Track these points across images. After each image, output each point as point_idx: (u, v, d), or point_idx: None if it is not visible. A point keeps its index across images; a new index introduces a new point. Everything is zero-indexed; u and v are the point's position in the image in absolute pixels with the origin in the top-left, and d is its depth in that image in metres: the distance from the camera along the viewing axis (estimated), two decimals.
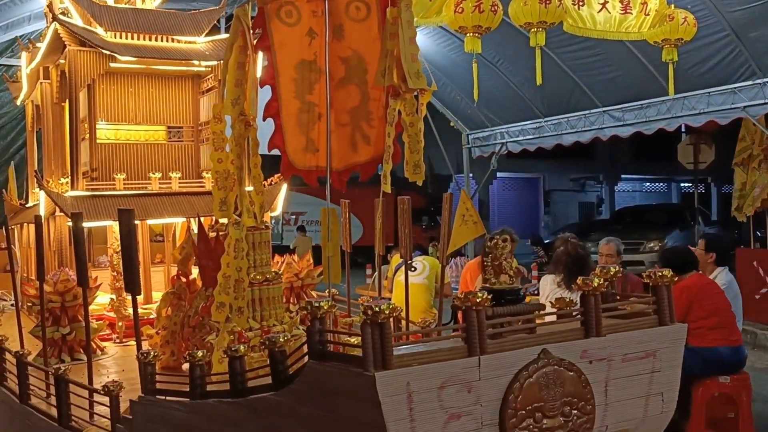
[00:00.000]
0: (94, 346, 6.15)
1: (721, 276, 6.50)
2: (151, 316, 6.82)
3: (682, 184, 28.86)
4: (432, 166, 22.66)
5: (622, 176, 27.14)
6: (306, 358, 2.66)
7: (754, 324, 10.39)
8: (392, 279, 9.18)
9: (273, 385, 2.84)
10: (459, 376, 2.43)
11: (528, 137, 14.96)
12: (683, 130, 20.43)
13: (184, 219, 7.38)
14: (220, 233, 5.44)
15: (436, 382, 2.39)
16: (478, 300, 2.46)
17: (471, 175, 17.22)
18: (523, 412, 2.50)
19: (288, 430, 2.75)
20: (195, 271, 5.78)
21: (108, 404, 3.89)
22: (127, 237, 3.87)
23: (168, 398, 3.41)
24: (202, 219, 5.45)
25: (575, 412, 2.58)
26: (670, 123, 11.96)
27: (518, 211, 25.48)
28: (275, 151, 3.99)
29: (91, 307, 6.27)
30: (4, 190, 10.17)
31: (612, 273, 2.85)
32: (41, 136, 8.84)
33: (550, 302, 4.57)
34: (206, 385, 3.30)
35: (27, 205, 8.97)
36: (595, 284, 2.70)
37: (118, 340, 6.65)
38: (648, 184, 29.27)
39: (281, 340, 2.83)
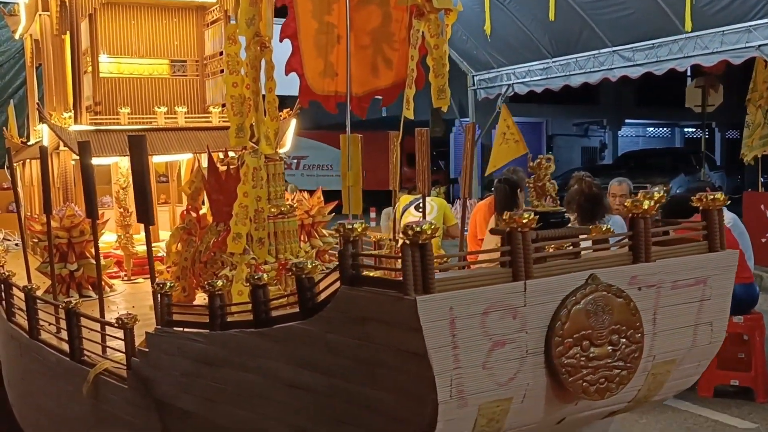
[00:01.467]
0: (103, 283, 6.00)
1: (724, 216, 6.39)
2: (160, 254, 6.67)
3: (686, 129, 28.55)
4: (439, 111, 22.34)
5: (626, 121, 26.79)
6: (337, 285, 2.49)
7: (760, 267, 10.30)
8: (399, 221, 8.99)
9: (300, 314, 2.67)
10: (504, 302, 2.25)
11: (535, 78, 14.64)
12: (689, 74, 20.10)
13: (191, 155, 7.16)
14: (231, 167, 5.23)
15: (480, 307, 2.22)
16: (524, 221, 2.27)
17: (472, 119, 16.94)
18: (570, 340, 2.34)
19: (317, 359, 2.59)
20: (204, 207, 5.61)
21: (122, 338, 3.74)
22: (139, 164, 3.66)
23: (186, 330, 3.25)
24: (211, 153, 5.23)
25: (623, 340, 2.42)
26: (682, 63, 11.64)
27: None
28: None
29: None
30: (4, 129, 9.92)
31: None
32: (41, 72, 8.56)
33: None
34: (226, 315, 3.14)
35: (29, 144, 8.74)
36: (645, 207, 2.51)
37: (126, 278, 6.50)
38: (651, 129, 28.93)
39: (309, 266, 2.65)
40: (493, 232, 2.47)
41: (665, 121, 27.76)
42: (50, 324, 4.68)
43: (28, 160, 8.40)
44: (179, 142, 6.62)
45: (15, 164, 9.69)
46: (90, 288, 5.88)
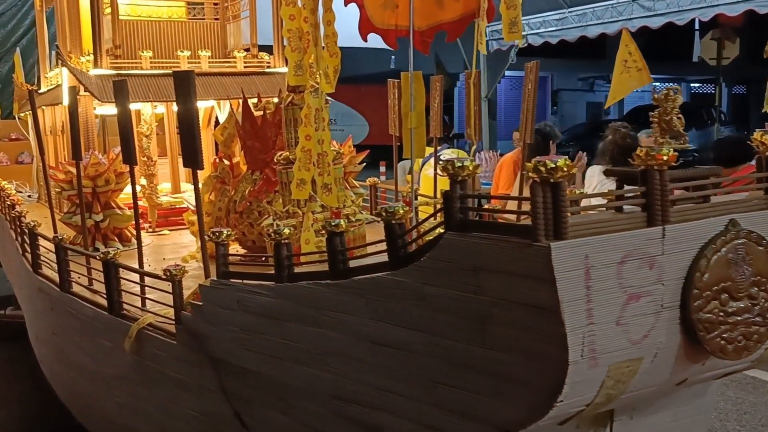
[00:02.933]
0: (129, 235, 5.71)
1: None
2: (182, 206, 6.36)
3: (692, 84, 28.08)
4: (443, 65, 21.73)
5: None
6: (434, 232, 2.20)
7: None
8: (418, 173, 8.70)
9: (389, 264, 2.38)
10: (641, 249, 1.96)
11: (550, 29, 14.18)
12: (696, 27, 19.59)
13: (213, 102, 6.81)
14: (268, 111, 4.90)
15: (617, 255, 1.92)
16: (663, 157, 1.97)
17: (483, 72, 16.44)
18: (709, 293, 2.05)
19: (410, 314, 2.31)
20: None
21: (167, 290, 3.45)
22: (186, 101, 3.33)
23: (247, 282, 2.96)
24: (230, 103, 4.90)
25: (763, 294, 2.14)
26: (705, 12, 11.22)
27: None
28: None
29: (120, 196, 5.79)
30: (14, 76, 9.50)
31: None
32: (53, 15, 8.13)
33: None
34: (294, 266, 2.84)
35: (40, 91, 8.34)
36: None
37: (150, 230, 6.19)
38: (657, 83, 28.41)
39: (400, 211, 2.34)
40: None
41: (671, 75, 27.25)
42: (81, 276, 4.39)
43: (40, 109, 8.01)
44: (203, 87, 6.25)
45: (23, 114, 9.32)
46: (116, 239, 5.58)
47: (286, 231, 2.82)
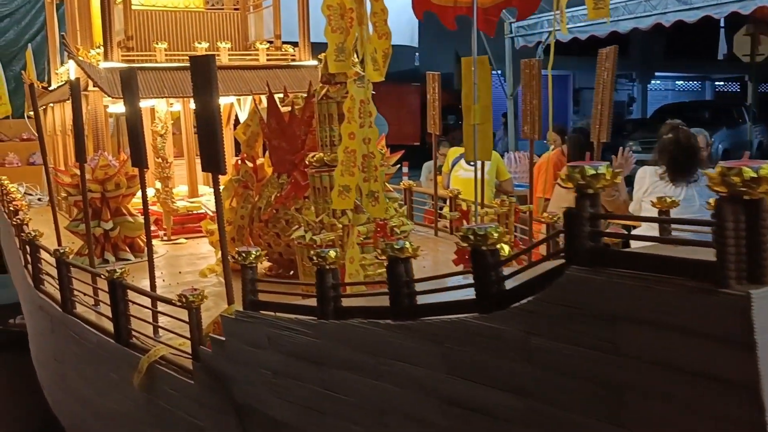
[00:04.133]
0: (142, 245, 5.12)
1: None
2: (200, 211, 5.78)
3: (716, 83, 27.22)
4: (461, 61, 21.02)
5: (656, 74, 25.45)
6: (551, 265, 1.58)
7: None
8: (448, 174, 8.05)
9: (476, 303, 1.76)
10: None
11: (579, 24, 13.50)
12: (722, 24, 18.82)
13: (234, 99, 6.21)
14: (296, 107, 4.29)
15: None
16: None
17: (499, 71, 15.78)
18: None
19: (505, 372, 1.69)
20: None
21: (187, 320, 2.84)
22: (205, 92, 2.72)
23: (281, 315, 2.35)
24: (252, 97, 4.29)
25: None
26: (746, 5, 10.51)
27: (546, 109, 24.02)
28: None
29: (132, 201, 5.21)
30: (23, 73, 8.97)
31: None
32: (62, 12, 7.58)
33: (651, 201, 3.49)
34: (341, 298, 2.23)
35: (50, 88, 7.80)
36: None
37: (165, 238, 5.61)
38: (681, 82, 27.58)
39: (493, 234, 1.72)
40: None
41: (696, 74, 26.42)
42: (85, 294, 3.80)
43: (49, 107, 7.46)
44: (223, 82, 5.64)
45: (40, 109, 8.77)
46: (127, 250, 4.99)
47: (332, 254, 2.21)
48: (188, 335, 2.85)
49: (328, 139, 3.64)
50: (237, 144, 6.04)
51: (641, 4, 12.26)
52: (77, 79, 3.69)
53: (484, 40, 14.65)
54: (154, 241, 5.35)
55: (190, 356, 2.83)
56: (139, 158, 3.24)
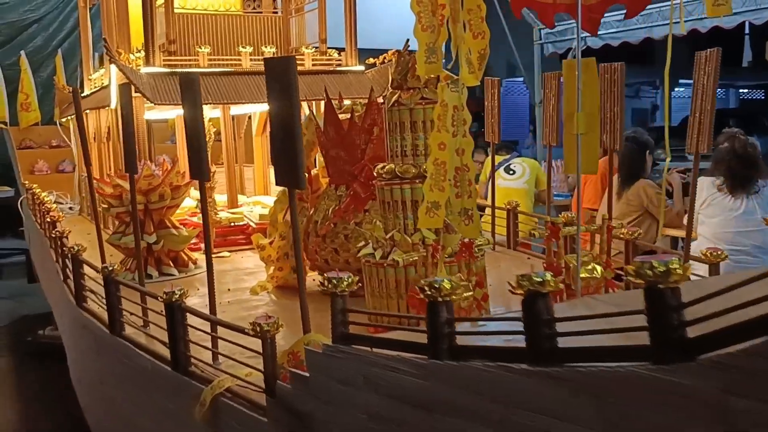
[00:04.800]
0: (186, 259, 4.84)
1: None
2: (241, 223, 5.50)
3: (740, 90, 26.74)
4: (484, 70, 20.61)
5: (680, 81, 24.99)
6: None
7: None
8: (487, 183, 7.73)
9: (649, 350, 1.45)
10: None
11: (611, 30, 13.18)
12: (747, 31, 18.43)
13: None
14: (357, 114, 4.00)
15: None
16: None
17: (522, 79, 15.43)
18: None
19: None
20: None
21: (252, 346, 2.55)
22: (285, 96, 2.43)
23: (379, 351, 2.05)
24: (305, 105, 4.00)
25: None
26: None
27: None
28: None
29: (176, 212, 4.94)
30: (55, 79, 8.76)
31: None
32: (97, 14, 7.35)
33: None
34: (455, 335, 1.92)
35: (83, 94, 7.55)
36: None
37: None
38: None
39: (677, 269, 1.41)
40: None
41: (721, 81, 25.97)
42: (133, 314, 3.52)
43: (83, 113, 7.21)
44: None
45: (63, 119, 8.54)
46: (171, 264, 4.71)
47: (447, 284, 1.90)
48: (250, 361, 2.57)
49: (399, 148, 3.34)
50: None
51: (676, 10, 11.94)
52: (127, 84, 3.41)
53: (513, 47, 14.36)
54: (195, 254, 5.08)
55: (261, 390, 2.54)
56: (200, 170, 2.95)
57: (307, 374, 2.28)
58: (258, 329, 2.47)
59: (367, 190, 3.95)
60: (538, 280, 1.67)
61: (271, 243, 4.26)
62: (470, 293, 2.87)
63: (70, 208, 8.06)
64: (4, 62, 10.44)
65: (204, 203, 3.08)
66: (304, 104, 5.31)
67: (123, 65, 4.95)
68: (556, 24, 12.21)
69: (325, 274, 2.26)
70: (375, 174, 3.43)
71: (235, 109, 6.24)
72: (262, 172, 7.05)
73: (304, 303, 2.60)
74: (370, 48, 6.54)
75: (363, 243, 3.46)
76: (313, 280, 4.36)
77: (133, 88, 5.03)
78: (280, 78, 2.48)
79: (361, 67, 5.79)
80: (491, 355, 1.77)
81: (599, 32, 14.07)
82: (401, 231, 3.31)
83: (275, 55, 5.64)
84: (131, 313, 3.50)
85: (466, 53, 2.47)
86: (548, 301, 1.70)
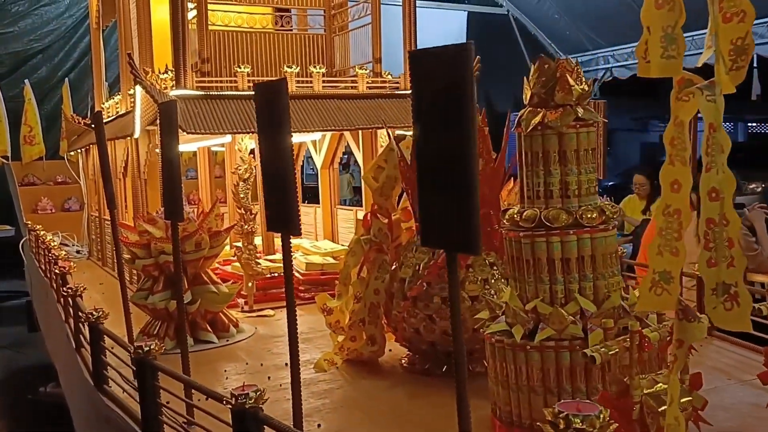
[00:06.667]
0: (225, 321, 3.87)
1: None
2: (276, 274, 4.53)
3: (749, 124, 26.01)
4: (491, 103, 19.78)
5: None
6: None
7: None
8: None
9: None
10: None
11: (634, 62, 12.42)
12: (755, 65, 17.78)
13: (319, 135, 5.03)
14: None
15: None
16: None
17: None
18: None
19: None
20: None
21: None
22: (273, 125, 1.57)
23: None
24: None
25: None
26: None
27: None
28: None
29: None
30: (65, 111, 7.84)
31: None
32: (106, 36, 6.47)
33: None
34: None
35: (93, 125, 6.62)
36: None
37: (246, 308, 4.35)
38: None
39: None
40: None
41: (729, 114, 25.29)
42: (168, 406, 2.55)
43: (94, 146, 6.28)
44: (319, 114, 4.46)
45: (71, 152, 7.60)
46: (209, 329, 3.74)
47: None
48: None
49: (543, 186, 2.41)
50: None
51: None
52: (173, 101, 2.51)
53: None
54: (233, 312, 4.12)
55: None
56: (285, 221, 2.01)
57: None
58: None
59: None
60: None
61: (343, 306, 3.30)
62: (687, 398, 1.92)
63: (78, 252, 7.08)
64: (6, 94, 9.51)
65: (288, 256, 2.13)
66: (354, 134, 4.40)
67: (151, 87, 4.03)
68: (580, 54, 11.21)
69: (568, 413, 1.30)
70: (506, 221, 2.49)
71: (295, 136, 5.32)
72: (329, 213, 6.06)
73: (466, 419, 1.63)
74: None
75: (496, 315, 2.50)
76: (390, 350, 3.41)
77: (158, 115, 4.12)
78: (270, 105, 1.74)
79: None
80: None
81: (626, 62, 13.20)
82: (547, 300, 2.36)
83: (324, 77, 4.73)
84: (173, 410, 2.53)
85: (719, 48, 1.57)
86: None
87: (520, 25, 13.82)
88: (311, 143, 5.69)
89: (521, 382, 2.37)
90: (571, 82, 2.41)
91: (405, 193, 3.30)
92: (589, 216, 2.39)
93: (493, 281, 3.05)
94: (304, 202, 6.30)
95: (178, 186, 2.44)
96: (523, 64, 13.10)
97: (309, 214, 5.93)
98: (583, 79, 2.49)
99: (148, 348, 2.51)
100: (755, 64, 18.06)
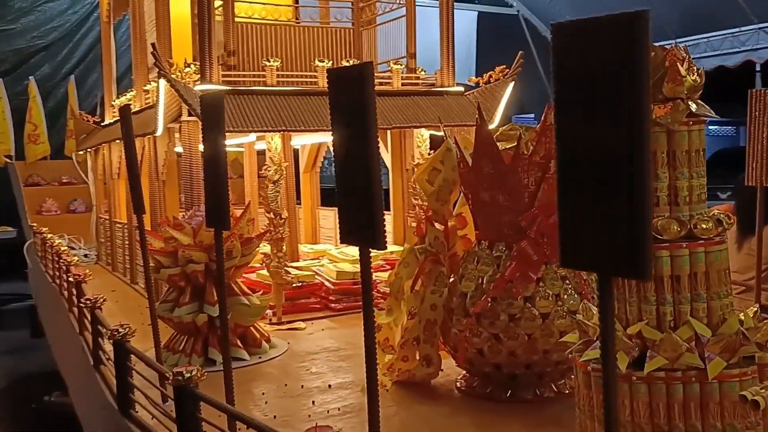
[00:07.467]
0: (257, 336, 3.53)
1: None
2: (303, 283, 4.20)
3: (752, 128, 25.82)
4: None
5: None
6: None
7: None
8: None
9: None
10: None
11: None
12: (758, 69, 17.53)
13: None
14: (523, 142, 2.76)
15: None
16: None
17: (533, 115, 14.42)
18: None
19: None
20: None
21: None
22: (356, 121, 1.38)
23: None
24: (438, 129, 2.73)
25: None
26: None
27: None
28: None
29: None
30: (73, 110, 7.48)
31: None
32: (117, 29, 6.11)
33: None
34: None
35: (104, 123, 6.29)
36: None
37: (275, 320, 4.01)
38: (715, 127, 26.16)
39: None
40: None
41: (730, 118, 25.06)
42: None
43: (105, 146, 5.94)
44: None
45: (85, 151, 7.24)
46: (240, 344, 3.39)
47: None
48: None
49: (672, 189, 2.08)
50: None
51: (726, 39, 10.96)
52: (219, 94, 2.18)
53: (546, 83, 13.24)
54: (262, 324, 3.78)
55: None
56: (366, 232, 1.67)
57: None
58: None
59: (539, 250, 2.68)
60: None
61: (393, 322, 2.96)
62: None
63: (86, 255, 6.72)
64: (10, 91, 9.15)
65: (365, 269, 1.79)
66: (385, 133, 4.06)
67: (176, 81, 3.69)
68: None
69: None
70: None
71: (299, 139, 4.97)
72: (310, 214, 5.79)
73: None
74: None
75: (591, 343, 2.16)
76: (441, 370, 3.07)
77: (185, 110, 3.78)
78: (350, 95, 1.42)
79: (460, 88, 4.56)
80: None
81: None
82: (653, 323, 2.03)
83: None
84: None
85: None
86: None
87: (531, 25, 13.53)
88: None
89: (624, 418, 2.04)
90: (683, 71, 2.08)
91: (464, 198, 2.96)
92: (703, 227, 2.06)
93: (565, 296, 2.72)
94: (321, 205, 5.98)
95: (225, 190, 2.11)
96: (533, 65, 12.81)
97: (328, 218, 5.62)
98: (695, 69, 2.16)
99: (189, 374, 2.16)
100: (758, 69, 17.78)
